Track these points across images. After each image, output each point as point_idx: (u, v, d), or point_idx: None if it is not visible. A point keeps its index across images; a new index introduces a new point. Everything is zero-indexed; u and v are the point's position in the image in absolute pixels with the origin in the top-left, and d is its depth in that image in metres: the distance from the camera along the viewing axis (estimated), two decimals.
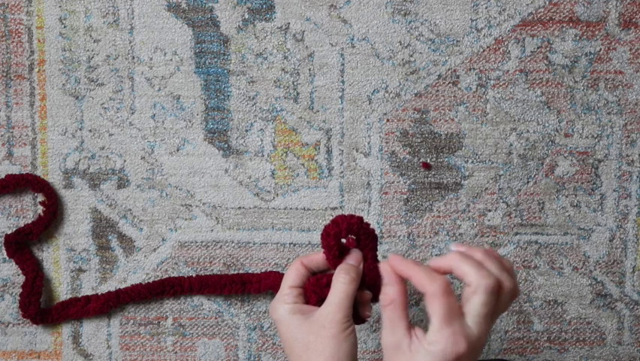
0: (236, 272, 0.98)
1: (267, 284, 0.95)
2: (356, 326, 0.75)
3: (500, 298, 0.69)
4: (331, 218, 0.79)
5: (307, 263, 0.76)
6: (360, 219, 0.74)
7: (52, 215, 0.97)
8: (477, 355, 0.68)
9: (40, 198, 0.97)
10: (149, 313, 0.99)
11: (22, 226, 0.97)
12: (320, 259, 0.76)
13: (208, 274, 0.99)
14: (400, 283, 0.70)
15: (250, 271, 0.98)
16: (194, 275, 0.98)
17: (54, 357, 1.00)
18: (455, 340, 0.66)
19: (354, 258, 0.74)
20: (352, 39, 0.96)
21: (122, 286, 0.99)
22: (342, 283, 0.72)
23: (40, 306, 0.97)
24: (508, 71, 0.96)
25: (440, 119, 0.97)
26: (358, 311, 0.75)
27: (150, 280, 0.98)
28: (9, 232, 0.97)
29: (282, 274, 0.90)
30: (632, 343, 0.99)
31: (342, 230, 0.74)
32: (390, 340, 0.70)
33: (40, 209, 0.97)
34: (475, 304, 0.68)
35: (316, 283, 0.75)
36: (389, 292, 0.70)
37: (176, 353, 1.00)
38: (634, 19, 0.95)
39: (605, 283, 0.98)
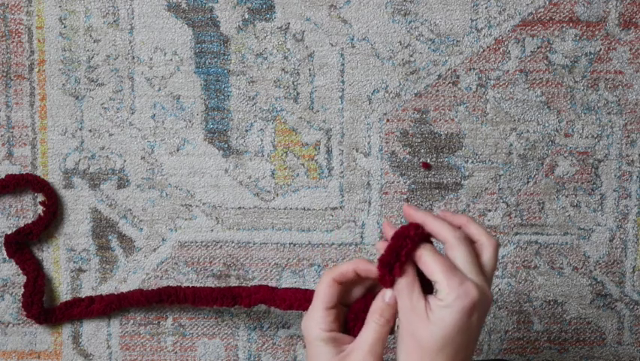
0: (236, 273, 0.98)
1: (257, 298, 0.91)
2: None
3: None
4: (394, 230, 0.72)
5: (339, 278, 0.71)
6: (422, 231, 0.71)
7: (52, 215, 0.97)
8: (487, 310, 0.68)
9: (40, 198, 0.97)
10: (149, 314, 0.99)
11: (22, 226, 0.97)
12: (350, 271, 0.71)
13: (206, 279, 0.99)
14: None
15: (250, 272, 0.98)
16: (189, 285, 0.96)
17: (54, 357, 1.00)
18: (466, 288, 0.66)
19: (390, 295, 0.70)
20: (352, 39, 0.96)
21: (122, 286, 0.99)
22: (375, 324, 0.70)
23: (43, 306, 0.97)
24: (508, 71, 0.96)
25: (440, 119, 0.97)
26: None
27: (150, 280, 0.98)
28: (9, 232, 0.97)
29: (272, 288, 0.86)
30: (632, 343, 0.99)
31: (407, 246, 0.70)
32: (407, 305, 0.67)
33: (39, 209, 0.97)
34: (487, 260, 0.69)
35: (366, 309, 0.71)
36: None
37: (176, 353, 1.00)
38: (634, 19, 0.95)
39: (605, 283, 0.98)
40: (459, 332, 0.67)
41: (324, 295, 0.70)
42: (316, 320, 0.70)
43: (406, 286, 0.68)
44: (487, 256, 0.70)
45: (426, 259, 0.68)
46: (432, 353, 0.67)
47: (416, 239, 0.69)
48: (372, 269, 0.71)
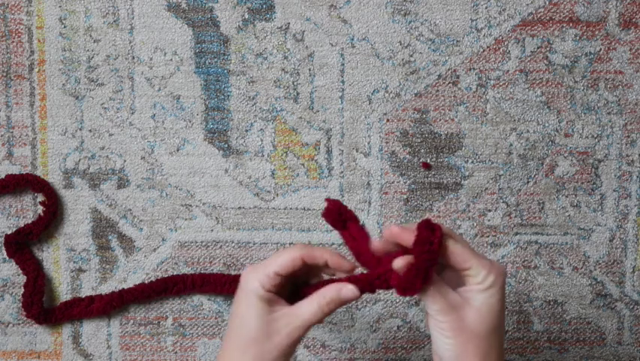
0: (236, 273, 0.98)
1: None
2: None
3: None
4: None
5: (307, 260, 0.72)
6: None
7: (52, 215, 0.97)
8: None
9: (40, 198, 0.97)
10: (149, 314, 0.99)
11: (22, 226, 0.97)
12: (321, 259, 0.72)
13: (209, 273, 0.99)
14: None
15: None
16: (196, 273, 0.97)
17: (54, 357, 1.00)
18: (497, 266, 0.68)
19: (350, 289, 0.71)
20: (352, 39, 0.96)
21: (123, 285, 0.99)
22: (319, 307, 0.70)
23: (43, 306, 0.97)
24: (508, 71, 0.96)
25: (440, 119, 0.97)
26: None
27: (150, 279, 0.98)
28: (9, 232, 0.97)
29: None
30: (632, 343, 0.99)
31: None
32: (446, 305, 0.68)
33: (39, 209, 0.97)
34: None
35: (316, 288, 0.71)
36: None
37: (176, 353, 1.00)
38: (634, 19, 0.95)
39: (605, 283, 0.98)
40: (502, 307, 0.69)
41: (284, 263, 0.71)
42: (261, 277, 0.70)
43: (437, 289, 0.68)
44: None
45: (455, 249, 0.68)
46: (487, 336, 0.68)
47: (439, 243, 0.68)
48: (344, 264, 0.72)
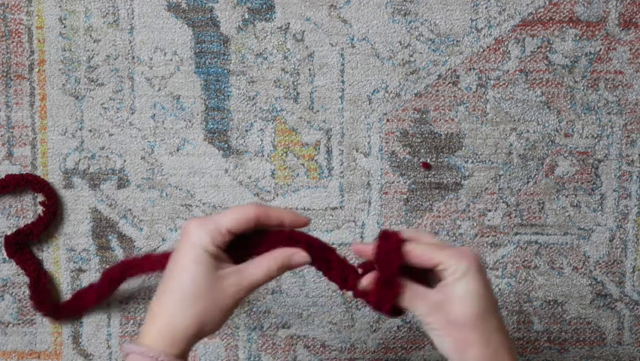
0: None
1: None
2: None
3: None
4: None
5: (263, 219, 0.69)
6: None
7: (52, 215, 0.97)
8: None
9: (40, 198, 0.97)
10: None
11: (22, 226, 0.97)
12: (277, 219, 0.69)
13: None
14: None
15: None
16: None
17: (54, 357, 1.00)
18: (464, 251, 0.68)
19: (302, 256, 0.70)
20: (352, 39, 0.96)
21: (122, 285, 0.98)
22: (268, 269, 0.68)
23: (52, 301, 0.97)
24: (508, 71, 0.96)
25: (440, 119, 0.97)
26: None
27: (151, 280, 0.98)
28: (9, 232, 0.97)
29: (285, 233, 0.74)
30: (632, 343, 0.99)
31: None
32: (427, 307, 0.67)
33: (39, 209, 0.97)
34: None
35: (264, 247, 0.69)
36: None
37: None
38: (634, 19, 0.95)
39: (605, 283, 0.98)
40: (487, 290, 0.68)
41: (238, 221, 0.68)
42: (213, 232, 0.68)
43: (414, 295, 0.68)
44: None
45: (418, 251, 0.68)
46: (481, 322, 0.67)
47: (399, 249, 0.69)
48: (300, 220, 0.70)
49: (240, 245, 0.71)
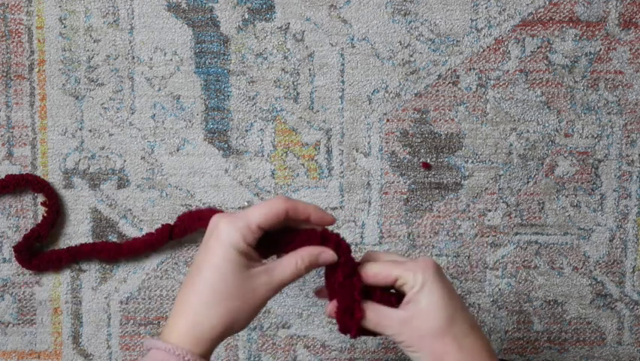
0: None
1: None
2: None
3: None
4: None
5: (292, 213, 0.68)
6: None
7: (56, 214, 0.96)
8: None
9: (41, 198, 0.97)
10: (149, 314, 0.99)
11: (28, 231, 0.96)
12: (305, 213, 0.69)
13: None
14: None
15: None
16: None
17: (54, 357, 1.00)
18: (420, 262, 0.68)
19: (329, 255, 0.70)
20: (352, 39, 0.96)
21: (122, 285, 0.99)
22: (296, 267, 0.68)
23: (34, 252, 0.96)
24: (508, 71, 0.96)
25: (440, 119, 0.97)
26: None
27: (150, 280, 0.98)
28: (9, 233, 0.97)
29: (317, 232, 0.73)
30: (632, 343, 0.99)
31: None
32: (395, 325, 0.67)
33: (39, 209, 0.97)
34: None
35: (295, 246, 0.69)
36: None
37: None
38: (634, 19, 0.95)
39: (605, 283, 0.98)
40: (450, 296, 0.67)
41: (268, 216, 0.67)
42: (243, 230, 0.67)
43: (379, 317, 0.68)
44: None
45: (373, 271, 0.69)
46: (449, 329, 0.67)
47: (352, 275, 0.69)
48: (326, 218, 0.70)
49: (269, 241, 0.70)
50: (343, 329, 0.69)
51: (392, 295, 0.70)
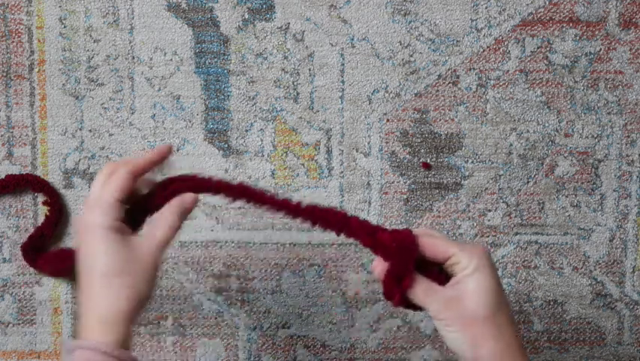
0: (236, 273, 0.98)
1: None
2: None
3: None
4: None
5: (137, 172, 0.70)
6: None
7: (59, 212, 0.96)
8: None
9: (41, 198, 0.97)
10: (149, 314, 0.99)
11: (33, 231, 0.96)
12: (148, 164, 0.71)
13: (206, 279, 0.99)
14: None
15: (250, 272, 0.98)
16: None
17: (54, 357, 1.00)
18: (477, 247, 0.68)
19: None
20: (352, 39, 0.96)
21: None
22: (172, 215, 0.70)
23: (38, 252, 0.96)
24: (508, 71, 0.96)
25: (440, 119, 0.97)
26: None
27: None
28: (9, 233, 0.97)
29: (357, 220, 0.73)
30: (632, 343, 0.99)
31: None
32: (440, 303, 0.67)
33: (40, 209, 0.97)
34: None
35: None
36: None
37: (176, 353, 1.00)
38: (634, 19, 0.95)
39: (605, 283, 0.98)
40: (498, 285, 0.69)
41: (119, 186, 0.69)
42: (105, 209, 0.68)
43: (426, 290, 0.68)
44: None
45: (430, 243, 0.69)
46: (492, 317, 0.67)
47: (414, 242, 0.69)
48: (162, 150, 0.72)
49: (143, 208, 0.72)
50: (388, 295, 0.69)
51: (442, 275, 0.70)
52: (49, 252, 0.97)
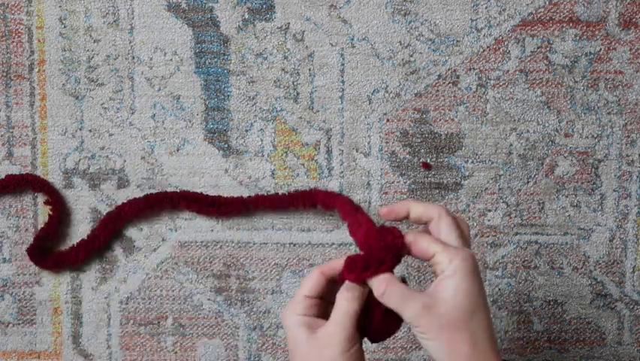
0: (236, 273, 0.99)
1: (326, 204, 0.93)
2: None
3: None
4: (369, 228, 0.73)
5: (327, 272, 0.73)
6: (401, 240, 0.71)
7: (61, 211, 0.96)
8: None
9: (41, 198, 0.97)
10: (149, 314, 0.99)
11: (38, 232, 0.96)
12: (340, 266, 0.72)
13: (206, 279, 0.99)
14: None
15: (250, 272, 0.98)
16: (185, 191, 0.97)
17: (54, 357, 1.00)
18: (464, 252, 0.68)
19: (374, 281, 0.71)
20: (352, 39, 0.96)
21: (122, 285, 0.99)
22: (344, 301, 0.70)
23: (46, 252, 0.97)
24: (508, 71, 0.96)
25: (440, 119, 0.97)
26: (373, 327, 0.72)
27: (151, 280, 0.98)
28: (9, 233, 0.97)
29: (347, 199, 0.87)
30: (632, 343, 0.99)
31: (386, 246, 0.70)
32: (415, 307, 0.67)
33: (40, 209, 0.97)
34: (465, 229, 0.74)
35: (352, 264, 0.70)
36: (381, 280, 0.69)
37: (176, 353, 1.00)
38: (634, 19, 0.95)
39: (605, 283, 0.98)
40: (478, 290, 0.68)
41: (306, 284, 0.72)
42: (293, 305, 0.71)
43: (403, 295, 0.68)
44: (464, 227, 0.73)
45: (416, 240, 0.69)
46: (469, 322, 0.67)
47: (399, 250, 0.70)
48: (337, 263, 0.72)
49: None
50: (348, 270, 0.70)
51: (394, 316, 0.70)
52: (57, 252, 0.97)
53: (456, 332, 0.67)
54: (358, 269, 0.70)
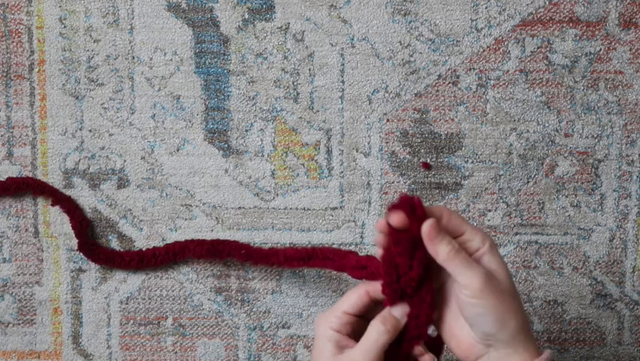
0: (235, 273, 0.99)
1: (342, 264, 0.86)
2: None
3: None
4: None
5: (373, 293, 0.72)
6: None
7: (75, 208, 0.97)
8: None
9: (41, 199, 0.97)
10: (149, 314, 0.99)
11: (74, 230, 0.96)
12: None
13: (206, 279, 0.99)
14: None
15: (250, 272, 0.98)
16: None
17: (54, 357, 1.00)
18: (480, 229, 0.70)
19: (400, 309, 0.71)
20: (352, 39, 0.96)
21: (122, 285, 0.99)
22: (375, 333, 0.70)
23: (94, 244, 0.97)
24: (508, 71, 0.96)
25: (440, 119, 0.97)
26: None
27: (150, 280, 0.98)
28: (9, 233, 0.97)
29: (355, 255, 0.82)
30: (632, 343, 0.99)
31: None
32: (480, 274, 0.67)
33: (40, 209, 0.97)
34: None
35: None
36: (446, 243, 0.68)
37: (176, 353, 1.00)
38: (634, 19, 0.95)
39: (605, 283, 0.98)
40: (508, 269, 0.70)
41: (349, 299, 0.72)
42: (329, 318, 0.71)
43: (465, 260, 0.68)
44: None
45: (451, 216, 0.69)
46: (515, 290, 0.69)
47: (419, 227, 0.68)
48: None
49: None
50: (389, 277, 0.69)
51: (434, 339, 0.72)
52: (110, 249, 0.97)
53: (509, 301, 0.68)
54: (404, 244, 0.68)
